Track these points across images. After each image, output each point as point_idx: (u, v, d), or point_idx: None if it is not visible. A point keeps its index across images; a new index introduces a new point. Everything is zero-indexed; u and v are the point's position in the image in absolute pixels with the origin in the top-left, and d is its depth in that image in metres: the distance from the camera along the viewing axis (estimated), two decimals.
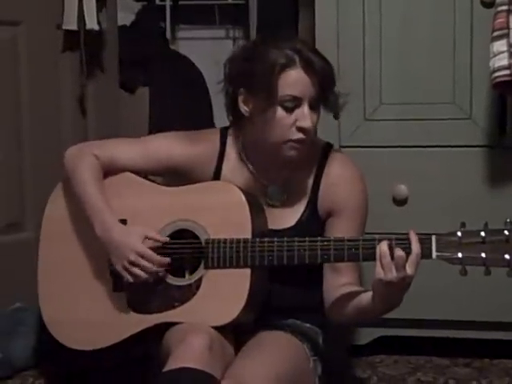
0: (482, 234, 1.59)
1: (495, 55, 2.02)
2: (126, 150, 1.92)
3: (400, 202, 2.24)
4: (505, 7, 2.03)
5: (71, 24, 2.50)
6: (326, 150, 1.89)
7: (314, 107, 1.76)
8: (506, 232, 1.58)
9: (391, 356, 2.32)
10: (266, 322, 1.84)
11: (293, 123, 1.75)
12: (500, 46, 2.01)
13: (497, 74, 2.02)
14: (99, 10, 2.54)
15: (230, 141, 1.90)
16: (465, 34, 2.19)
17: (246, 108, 1.79)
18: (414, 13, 2.21)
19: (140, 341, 1.83)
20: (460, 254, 1.60)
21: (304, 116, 1.74)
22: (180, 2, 3.53)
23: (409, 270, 1.61)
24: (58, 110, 2.55)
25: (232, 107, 1.82)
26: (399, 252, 1.60)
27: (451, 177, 2.22)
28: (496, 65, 2.02)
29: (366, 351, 2.32)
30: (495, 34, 2.03)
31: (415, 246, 1.62)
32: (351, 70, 2.23)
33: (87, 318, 1.86)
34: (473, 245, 1.59)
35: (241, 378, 1.64)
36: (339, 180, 1.84)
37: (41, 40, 2.48)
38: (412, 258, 1.61)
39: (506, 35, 2.01)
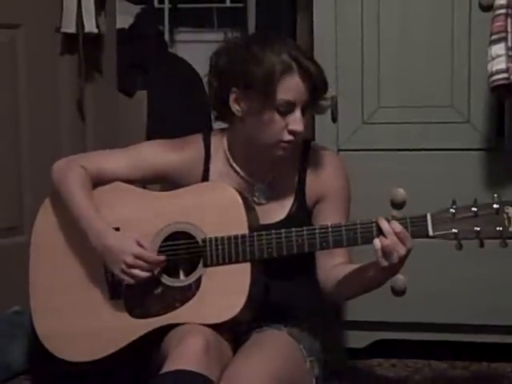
0: (474, 208, 1.66)
1: (493, 59, 2.02)
2: (112, 161, 1.93)
3: (398, 205, 2.24)
4: (503, 11, 2.03)
5: (70, 27, 2.51)
6: (307, 144, 1.93)
7: (304, 111, 1.80)
8: (495, 205, 1.65)
9: (389, 359, 2.32)
10: (264, 322, 1.84)
11: (285, 126, 1.79)
12: (498, 49, 2.02)
13: (495, 78, 2.02)
14: (98, 13, 2.55)
15: (213, 144, 1.92)
16: (463, 38, 2.19)
17: (237, 107, 1.81)
18: (412, 16, 2.22)
19: (142, 346, 1.82)
20: (455, 230, 1.66)
21: (296, 120, 1.78)
22: (179, 6, 3.54)
23: (408, 244, 1.66)
24: (57, 112, 2.56)
25: (220, 104, 1.84)
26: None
27: (449, 180, 2.22)
28: (494, 68, 2.02)
29: (364, 354, 2.32)
30: (493, 37, 2.03)
31: (395, 226, 1.67)
32: (349, 73, 2.24)
33: (86, 329, 1.85)
34: (466, 219, 1.66)
35: (237, 381, 1.64)
36: (323, 169, 1.89)
37: (39, 43, 2.48)
38: (402, 236, 1.66)
39: (504, 39, 2.01)
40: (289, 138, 1.79)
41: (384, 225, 1.68)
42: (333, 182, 1.88)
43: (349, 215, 1.89)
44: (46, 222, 1.96)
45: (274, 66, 1.75)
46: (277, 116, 1.78)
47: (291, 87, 1.76)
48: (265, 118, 1.78)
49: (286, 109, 1.77)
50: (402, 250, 1.66)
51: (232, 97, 1.81)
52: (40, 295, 1.93)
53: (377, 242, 1.67)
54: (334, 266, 1.83)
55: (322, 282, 1.86)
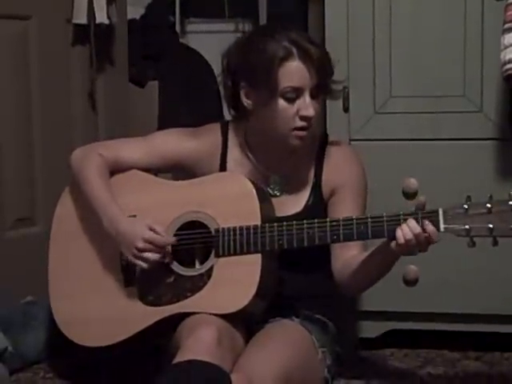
0: (488, 205, 1.62)
1: (506, 47, 2.01)
2: (130, 149, 1.95)
3: (410, 195, 2.24)
4: None
5: (81, 18, 2.51)
6: (323, 138, 1.94)
7: (314, 96, 1.80)
8: (511, 202, 1.60)
9: (401, 349, 2.32)
10: (276, 312, 1.85)
11: (295, 113, 1.79)
12: (511, 38, 2.00)
13: (508, 67, 2.01)
14: (109, 3, 2.55)
15: (231, 134, 1.94)
16: (476, 27, 2.18)
17: (248, 101, 1.83)
18: (424, 5, 2.20)
19: (153, 334, 1.84)
20: (467, 226, 1.63)
21: (306, 105, 1.78)
22: None
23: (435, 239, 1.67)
24: (68, 103, 2.56)
25: (233, 100, 1.86)
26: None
27: (462, 170, 2.21)
28: (507, 57, 2.00)
29: (376, 344, 2.32)
30: (506, 26, 2.02)
31: (429, 227, 1.66)
32: (361, 62, 2.23)
33: (100, 315, 1.88)
34: (479, 216, 1.62)
35: (250, 371, 1.65)
36: (340, 162, 1.90)
37: (51, 34, 2.49)
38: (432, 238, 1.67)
39: None
40: (301, 123, 1.79)
41: (414, 224, 1.65)
42: (348, 175, 1.88)
43: (365, 208, 1.88)
44: (65, 210, 1.99)
45: (274, 54, 1.76)
46: (285, 104, 1.78)
47: (293, 72, 1.76)
48: (274, 108, 1.78)
49: (293, 95, 1.77)
50: (425, 247, 1.67)
51: (242, 92, 1.82)
52: (58, 282, 1.97)
53: (401, 237, 1.65)
54: (348, 258, 1.83)
55: (337, 273, 1.86)
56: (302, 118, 1.79)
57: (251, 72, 1.79)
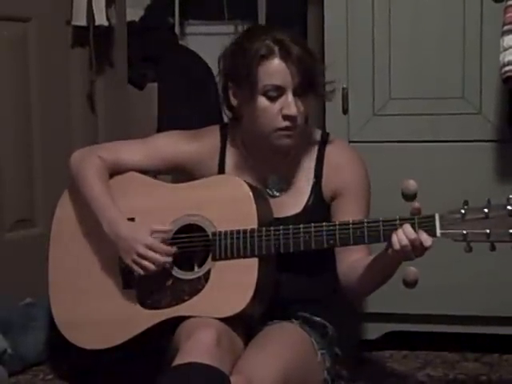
0: (485, 210, 1.61)
1: (505, 49, 2.01)
2: (130, 151, 1.95)
3: (409, 196, 2.24)
4: None
5: (80, 20, 2.51)
6: (324, 137, 1.93)
7: (299, 95, 1.79)
8: (509, 207, 1.59)
9: (401, 351, 2.32)
10: (275, 314, 1.85)
11: (278, 112, 1.79)
12: (510, 40, 2.01)
13: (507, 69, 2.01)
14: (108, 5, 2.55)
15: (229, 136, 1.94)
16: (475, 29, 2.18)
17: (235, 100, 1.84)
18: (423, 7, 2.21)
19: (151, 336, 1.84)
20: (464, 231, 1.62)
21: (288, 104, 1.77)
22: None
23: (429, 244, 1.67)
24: (68, 105, 2.56)
25: (225, 101, 1.87)
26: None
27: (461, 172, 2.21)
28: (506, 59, 2.01)
29: (375, 346, 2.32)
30: (505, 28, 2.02)
31: (423, 235, 1.66)
32: (360, 64, 2.23)
33: (98, 317, 1.88)
34: (476, 221, 1.61)
35: (249, 373, 1.65)
36: (341, 163, 1.89)
37: (50, 36, 2.49)
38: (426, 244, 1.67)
39: None
40: (285, 123, 1.79)
41: (409, 230, 1.66)
42: (350, 177, 1.88)
43: (369, 210, 1.88)
44: (64, 212, 1.99)
45: (255, 52, 1.76)
46: (267, 102, 1.78)
47: (274, 71, 1.77)
48: (256, 106, 1.78)
49: (275, 94, 1.77)
50: (421, 253, 1.67)
51: (230, 92, 1.84)
52: (58, 284, 1.97)
53: (396, 243, 1.66)
54: (353, 261, 1.83)
55: (342, 276, 1.86)
56: (285, 118, 1.78)
57: (235, 70, 1.80)
